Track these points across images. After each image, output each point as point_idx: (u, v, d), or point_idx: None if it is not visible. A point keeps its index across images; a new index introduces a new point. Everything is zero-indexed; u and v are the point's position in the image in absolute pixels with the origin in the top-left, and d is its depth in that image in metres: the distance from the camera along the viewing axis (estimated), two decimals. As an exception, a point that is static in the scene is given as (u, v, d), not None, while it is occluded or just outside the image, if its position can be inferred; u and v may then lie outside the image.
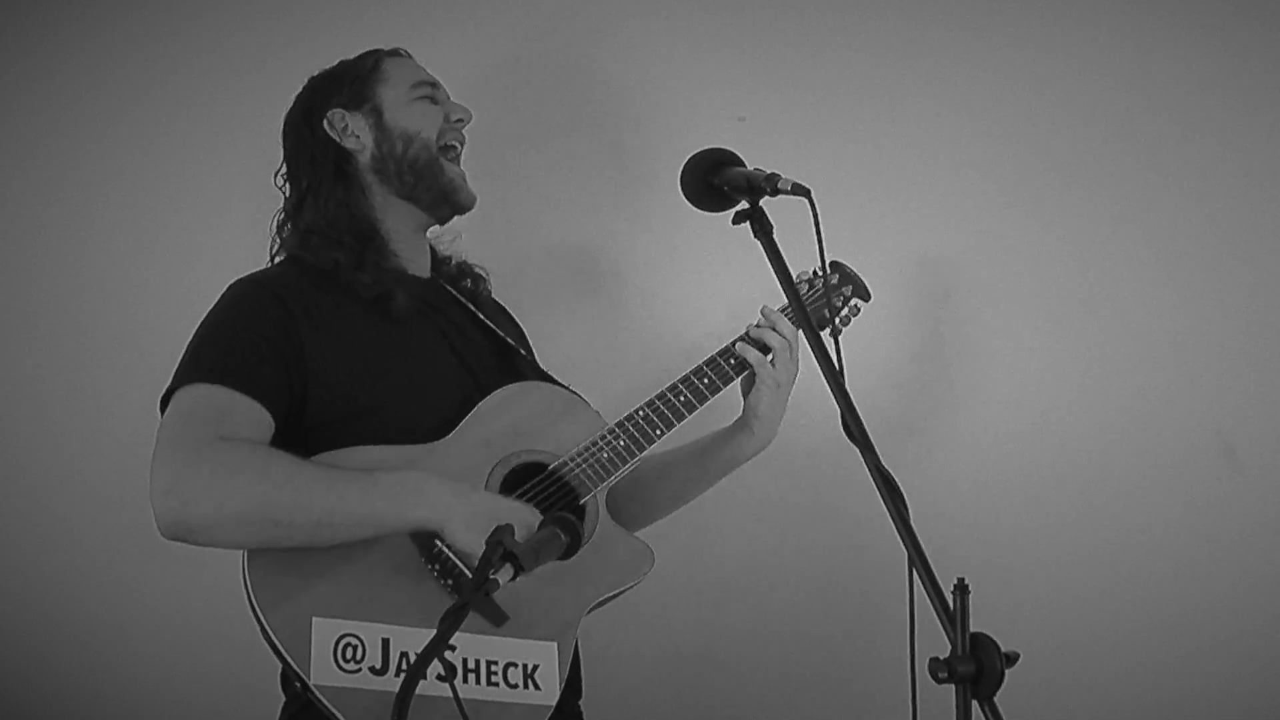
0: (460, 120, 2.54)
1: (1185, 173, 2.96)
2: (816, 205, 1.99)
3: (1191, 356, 2.94)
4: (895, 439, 2.82)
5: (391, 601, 2.17)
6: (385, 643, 2.15)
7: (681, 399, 2.47)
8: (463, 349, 2.47)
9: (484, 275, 2.67)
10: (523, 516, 2.21)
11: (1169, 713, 2.92)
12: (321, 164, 2.48)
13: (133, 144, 3.05)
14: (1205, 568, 2.92)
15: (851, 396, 1.84)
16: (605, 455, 2.39)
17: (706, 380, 2.50)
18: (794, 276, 2.59)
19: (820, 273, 2.62)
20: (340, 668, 2.11)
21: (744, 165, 2.09)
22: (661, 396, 2.46)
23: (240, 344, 2.26)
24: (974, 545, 2.82)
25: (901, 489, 1.79)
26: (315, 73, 2.57)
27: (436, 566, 2.21)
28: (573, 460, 2.37)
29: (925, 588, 1.69)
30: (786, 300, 1.96)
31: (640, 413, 2.44)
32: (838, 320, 2.62)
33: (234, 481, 2.12)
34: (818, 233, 2.01)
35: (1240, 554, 2.92)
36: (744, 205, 2.03)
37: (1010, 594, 2.85)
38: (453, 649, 2.15)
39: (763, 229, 2.00)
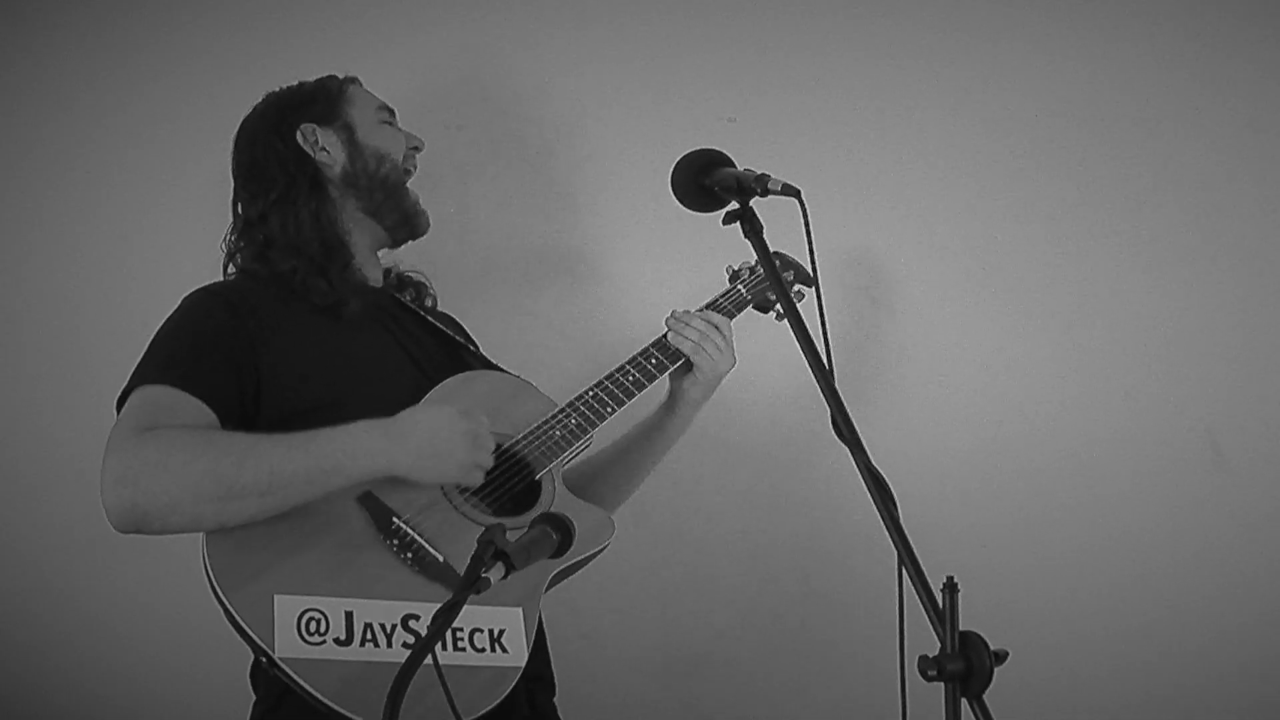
0: (416, 148, 2.64)
1: (1171, 170, 2.96)
2: (806, 205, 2.00)
3: (1179, 355, 2.94)
4: (884, 438, 2.82)
5: (352, 576, 2.20)
6: (349, 615, 2.17)
7: (630, 378, 2.53)
8: (412, 348, 2.53)
9: (425, 283, 2.74)
10: (454, 426, 2.25)
11: (1158, 710, 2.94)
12: (296, 174, 2.52)
13: (126, 145, 3.05)
14: (1193, 565, 2.93)
15: (841, 396, 1.85)
16: (558, 433, 2.44)
17: (654, 360, 2.57)
18: (731, 267, 2.74)
19: (745, 263, 2.73)
20: (304, 640, 2.13)
21: (734, 166, 2.10)
22: (610, 377, 2.53)
23: (188, 347, 2.32)
24: (963, 544, 2.83)
25: (892, 489, 1.80)
26: (274, 89, 2.62)
27: (395, 541, 2.24)
28: (525, 438, 2.42)
29: (915, 586, 1.69)
30: (779, 299, 1.96)
31: (590, 393, 2.50)
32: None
33: (180, 458, 2.14)
34: (808, 232, 2.01)
35: (1228, 551, 2.93)
36: (734, 205, 2.04)
37: (999, 593, 2.86)
38: (417, 618, 2.19)
39: (753, 229, 2.00)
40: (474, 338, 2.77)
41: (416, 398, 2.39)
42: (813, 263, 2.07)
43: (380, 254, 2.66)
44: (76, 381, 3.02)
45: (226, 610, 2.13)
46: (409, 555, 2.24)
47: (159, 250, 3.03)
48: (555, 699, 2.48)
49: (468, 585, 1.80)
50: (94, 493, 2.86)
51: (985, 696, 1.62)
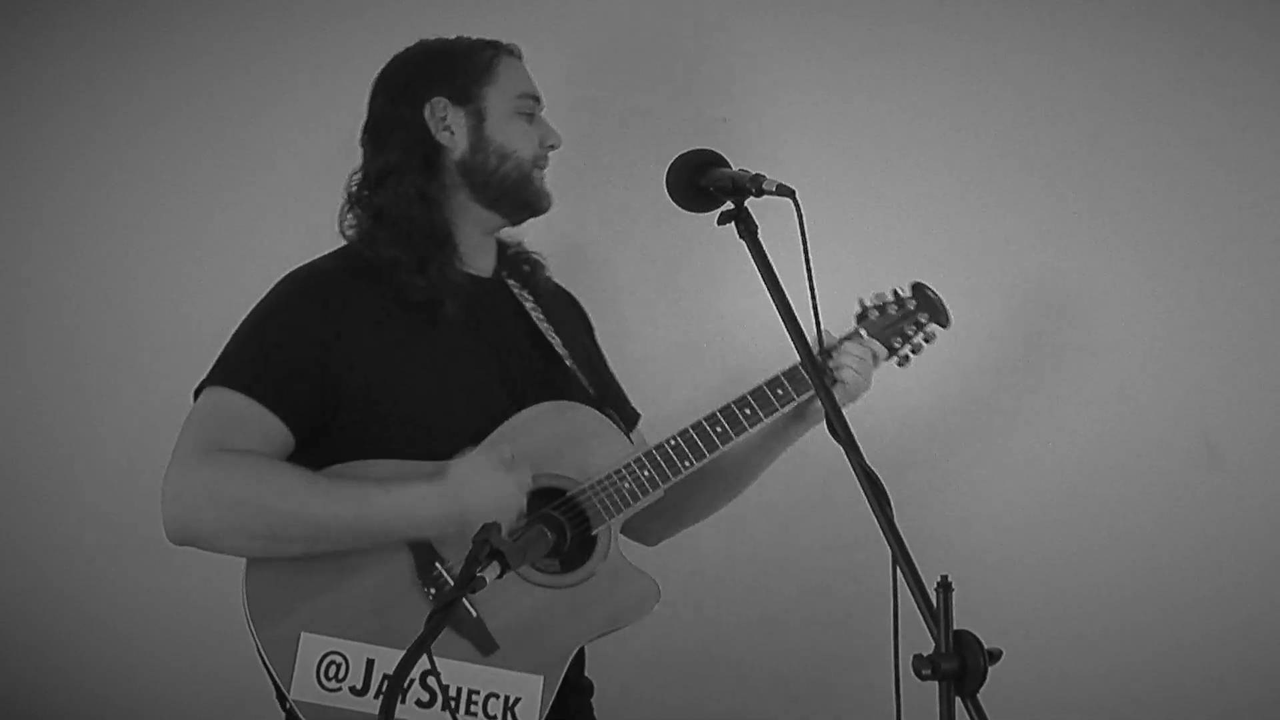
0: (553, 147, 2.48)
1: (1166, 170, 2.96)
2: (801, 206, 2.00)
3: (1173, 354, 2.94)
4: (873, 436, 2.82)
5: (382, 623, 2.19)
6: (370, 664, 2.18)
7: (718, 430, 2.38)
8: (508, 360, 2.42)
9: (541, 261, 2.61)
10: (509, 496, 2.21)
11: (1152, 708, 2.94)
12: (412, 149, 2.41)
13: (128, 144, 3.05)
14: (1188, 566, 2.93)
15: (834, 395, 1.85)
16: (627, 485, 2.33)
17: (748, 410, 2.40)
18: (866, 302, 2.54)
19: (897, 294, 2.56)
20: (321, 685, 2.16)
21: (729, 166, 2.10)
22: (697, 426, 2.38)
23: (272, 350, 2.28)
24: (958, 544, 2.83)
25: (885, 487, 1.81)
26: (427, 37, 2.51)
27: (433, 590, 2.23)
28: (592, 487, 2.33)
29: (909, 585, 1.70)
30: (773, 300, 1.96)
31: (671, 442, 2.36)
32: (908, 348, 2.55)
33: (235, 493, 2.16)
34: (802, 233, 2.00)
35: (1222, 552, 2.93)
36: (729, 206, 2.04)
37: (994, 592, 2.86)
38: (437, 675, 2.14)
39: (748, 229, 2.00)
40: (591, 321, 2.68)
41: (497, 420, 2.32)
42: (807, 263, 2.04)
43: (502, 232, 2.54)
44: (77, 381, 3.02)
45: (253, 639, 2.17)
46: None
47: (162, 250, 3.03)
48: (593, 699, 2.48)
49: (463, 584, 1.81)
50: (95, 494, 2.89)
51: (980, 696, 1.62)
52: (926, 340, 2.56)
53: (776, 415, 2.42)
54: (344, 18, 3.05)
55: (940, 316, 2.57)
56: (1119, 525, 2.90)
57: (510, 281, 2.53)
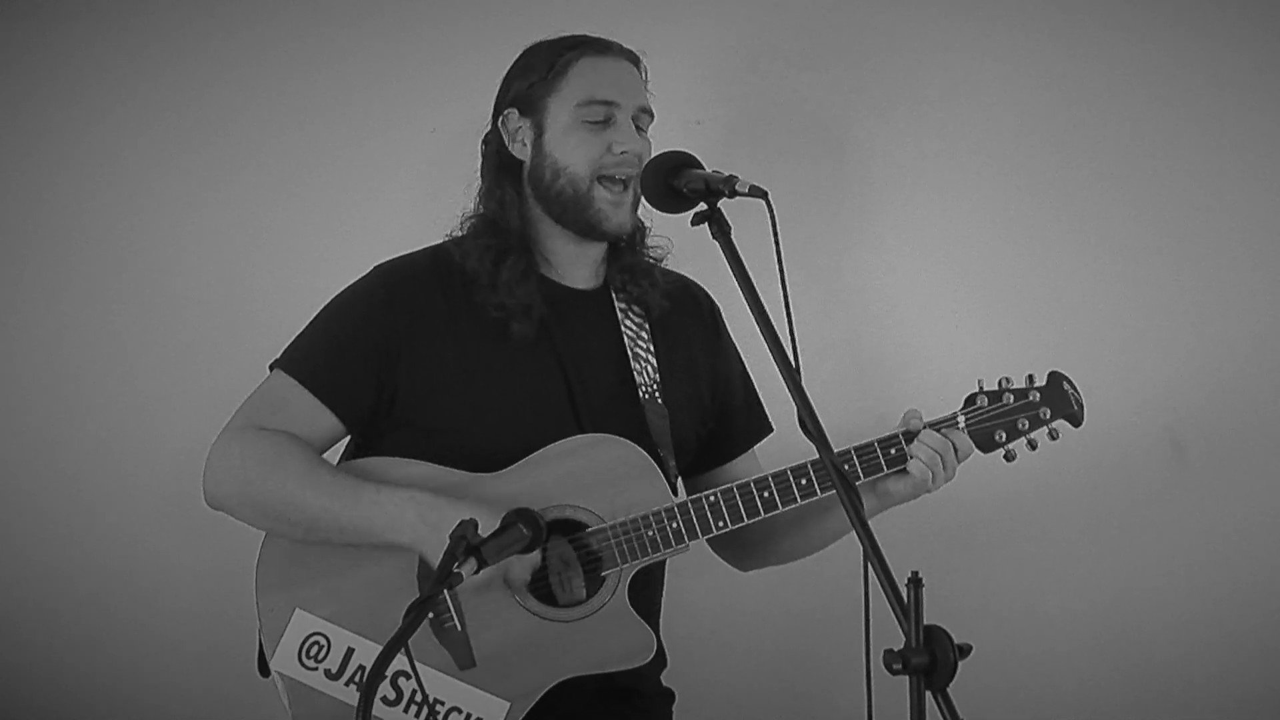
0: (625, 152, 2.35)
1: (1135, 171, 2.98)
2: (774, 206, 2.02)
3: (1140, 354, 2.96)
4: (853, 432, 2.84)
5: (374, 618, 2.23)
6: (349, 652, 2.23)
7: (765, 495, 2.27)
8: (577, 385, 2.37)
9: (658, 269, 2.49)
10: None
11: (1121, 703, 2.96)
12: (490, 160, 2.44)
13: (125, 142, 3.03)
14: (1153, 562, 2.95)
15: (808, 394, 1.87)
16: (650, 534, 2.27)
17: (804, 482, 2.27)
18: (983, 384, 2.37)
19: (1029, 381, 2.38)
20: (301, 662, 2.23)
21: (703, 168, 2.11)
22: (744, 487, 2.27)
23: (339, 346, 2.33)
24: (928, 540, 2.84)
25: (856, 485, 1.82)
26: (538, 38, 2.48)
27: None
28: (613, 528, 2.27)
29: (880, 581, 1.72)
30: (746, 300, 1.96)
31: (710, 498, 2.27)
32: (1019, 442, 2.34)
33: (251, 471, 2.26)
34: (775, 234, 2.03)
35: (1187, 549, 2.95)
36: (703, 206, 2.05)
37: (964, 588, 2.88)
38: (408, 678, 2.20)
39: (721, 230, 2.01)
40: (722, 323, 2.57)
41: (553, 440, 2.29)
42: (780, 262, 2.06)
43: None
44: (72, 384, 3.01)
45: (255, 603, 2.25)
46: (432, 614, 2.23)
47: (160, 245, 3.01)
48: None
49: (441, 579, 1.83)
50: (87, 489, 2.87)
51: (950, 690, 1.64)
52: (1052, 437, 2.36)
53: (823, 496, 2.28)
54: (334, 14, 3.03)
55: (1070, 413, 2.37)
56: (1085, 522, 2.92)
57: (619, 295, 2.47)
